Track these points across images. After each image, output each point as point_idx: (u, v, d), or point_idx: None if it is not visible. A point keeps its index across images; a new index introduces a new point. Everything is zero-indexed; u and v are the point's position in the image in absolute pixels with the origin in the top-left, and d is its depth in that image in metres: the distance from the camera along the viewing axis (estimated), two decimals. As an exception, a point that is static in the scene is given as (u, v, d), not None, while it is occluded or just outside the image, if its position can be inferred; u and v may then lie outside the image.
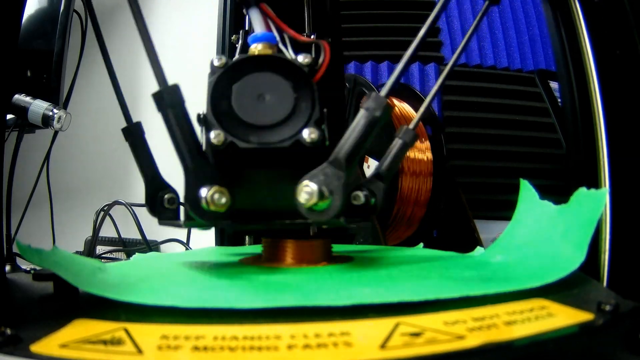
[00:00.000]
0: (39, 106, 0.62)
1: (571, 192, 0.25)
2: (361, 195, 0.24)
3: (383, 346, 0.16)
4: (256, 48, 0.26)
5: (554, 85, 0.85)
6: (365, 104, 0.24)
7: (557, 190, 0.29)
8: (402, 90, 0.82)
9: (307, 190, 0.22)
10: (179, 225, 0.27)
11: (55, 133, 0.77)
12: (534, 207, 0.28)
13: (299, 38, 0.29)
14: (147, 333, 0.17)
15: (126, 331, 0.18)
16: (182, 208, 0.28)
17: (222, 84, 0.24)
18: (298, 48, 0.29)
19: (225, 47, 0.58)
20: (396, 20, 0.96)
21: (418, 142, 0.73)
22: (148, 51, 0.24)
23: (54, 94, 0.70)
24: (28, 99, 0.62)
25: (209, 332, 0.17)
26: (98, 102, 1.07)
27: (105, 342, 0.17)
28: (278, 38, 0.28)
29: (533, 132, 0.93)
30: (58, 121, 0.62)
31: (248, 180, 0.25)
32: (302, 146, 0.24)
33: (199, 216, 0.23)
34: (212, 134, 0.23)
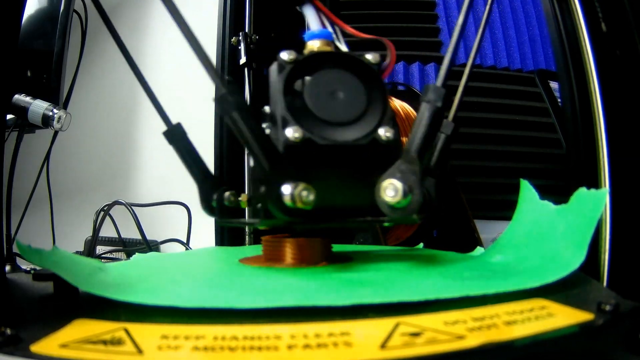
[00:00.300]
0: (39, 106, 0.62)
1: (571, 192, 0.25)
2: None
3: (383, 346, 0.16)
4: (313, 45, 0.26)
5: (554, 85, 0.85)
6: (425, 97, 0.24)
7: (557, 190, 0.29)
8: (402, 90, 0.82)
9: (392, 188, 0.22)
10: (248, 224, 0.26)
11: (55, 133, 0.77)
12: (534, 207, 0.28)
13: (359, 35, 0.28)
14: (147, 333, 0.17)
15: (126, 331, 0.18)
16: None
17: (293, 79, 0.24)
18: (354, 45, 0.28)
19: (225, 49, 0.58)
20: (396, 20, 0.96)
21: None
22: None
23: (54, 94, 0.70)
24: (28, 99, 0.62)
25: (209, 332, 0.17)
26: (98, 102, 1.07)
27: (105, 342, 0.17)
28: (334, 35, 0.27)
29: (533, 132, 0.93)
30: (58, 121, 0.62)
31: (323, 179, 0.24)
32: (378, 144, 0.23)
33: (284, 214, 0.22)
34: (290, 131, 0.23)
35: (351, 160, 0.24)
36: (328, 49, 0.26)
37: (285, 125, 0.23)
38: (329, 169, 0.24)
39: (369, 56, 0.25)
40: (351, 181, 0.24)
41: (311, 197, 0.22)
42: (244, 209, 0.29)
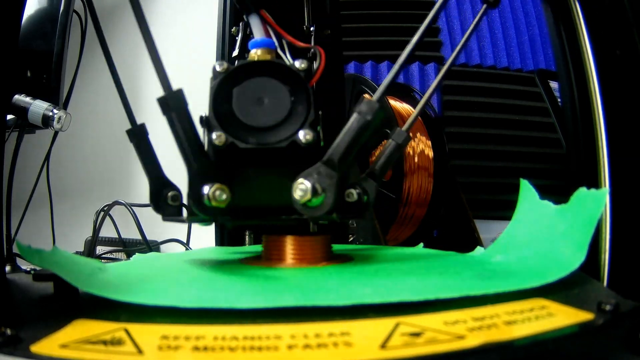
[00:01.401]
0: (39, 106, 0.62)
1: (571, 192, 0.25)
2: (354, 192, 0.26)
3: (383, 346, 0.16)
4: (256, 53, 0.28)
5: (554, 85, 0.85)
6: (357, 108, 0.25)
7: (557, 190, 0.29)
8: (402, 90, 0.82)
9: (301, 188, 0.24)
10: (182, 221, 0.29)
11: (55, 133, 0.77)
12: (534, 207, 0.28)
13: (296, 43, 0.30)
14: (147, 333, 0.17)
15: (126, 331, 0.18)
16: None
17: (223, 88, 0.26)
18: (296, 52, 0.30)
19: (226, 40, 0.58)
20: (396, 20, 0.96)
21: (422, 142, 0.73)
22: (152, 56, 0.25)
23: (54, 94, 0.70)
24: (28, 99, 0.62)
25: (209, 332, 0.17)
26: (98, 102, 1.07)
27: (105, 343, 0.17)
28: (277, 43, 0.29)
29: (533, 132, 0.93)
30: (58, 121, 0.62)
31: (247, 179, 0.26)
32: (298, 146, 0.25)
33: (201, 212, 0.24)
34: (214, 135, 0.25)
35: (274, 162, 0.26)
36: (268, 57, 0.28)
37: (211, 130, 0.25)
38: (254, 170, 0.26)
39: (297, 63, 0.27)
40: (274, 182, 0.26)
41: (224, 196, 0.24)
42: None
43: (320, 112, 0.26)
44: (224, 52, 0.58)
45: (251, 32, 0.52)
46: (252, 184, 0.26)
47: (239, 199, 0.25)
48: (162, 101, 0.24)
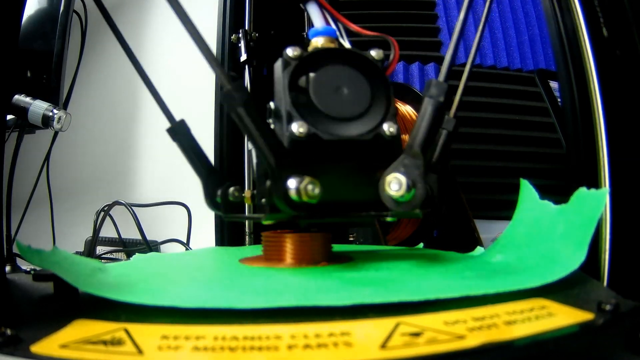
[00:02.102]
0: (39, 106, 0.62)
1: (571, 192, 0.25)
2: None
3: (383, 346, 0.16)
4: (317, 42, 0.26)
5: (554, 85, 0.85)
6: (428, 92, 0.24)
7: (557, 190, 0.29)
8: (402, 90, 0.82)
9: (396, 182, 0.23)
10: (256, 219, 0.26)
11: (55, 133, 0.77)
12: (534, 207, 0.28)
13: (363, 32, 0.29)
14: (147, 333, 0.17)
15: (126, 331, 0.18)
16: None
17: (298, 74, 0.24)
18: (357, 43, 0.28)
19: (225, 46, 0.58)
20: (396, 20, 0.96)
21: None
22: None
23: (54, 94, 0.70)
24: (28, 99, 0.62)
25: (209, 332, 0.17)
26: (98, 102, 1.07)
27: (105, 343, 0.17)
28: (337, 32, 0.28)
29: (533, 132, 0.93)
30: (58, 121, 0.62)
31: (328, 173, 0.24)
32: (382, 139, 0.24)
33: (290, 207, 0.23)
34: (295, 126, 0.23)
35: (355, 155, 0.24)
36: (332, 45, 0.26)
37: (290, 120, 0.23)
38: (334, 163, 0.24)
39: (373, 53, 0.25)
40: (355, 176, 0.25)
41: (317, 190, 0.22)
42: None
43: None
44: (223, 58, 0.58)
45: (251, 39, 0.52)
46: (330, 179, 0.24)
47: (325, 194, 0.23)
48: (227, 96, 0.23)
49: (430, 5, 0.98)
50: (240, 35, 0.53)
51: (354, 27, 0.29)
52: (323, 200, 0.23)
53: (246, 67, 0.52)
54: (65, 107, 0.75)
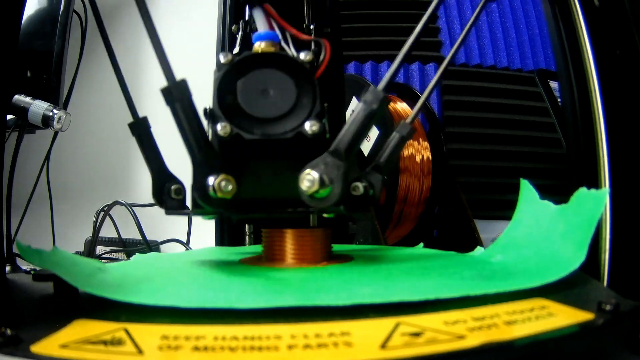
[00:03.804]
0: (39, 106, 0.62)
1: (571, 192, 0.25)
2: (360, 186, 0.25)
3: (383, 346, 0.16)
4: (260, 46, 0.27)
5: (554, 85, 0.85)
6: (363, 97, 0.25)
7: (557, 190, 0.29)
8: (401, 90, 0.83)
9: (309, 178, 0.24)
10: (186, 214, 0.28)
11: (55, 133, 0.77)
12: (534, 207, 0.28)
13: (300, 36, 0.30)
14: (147, 333, 0.18)
15: (126, 331, 0.18)
16: (188, 198, 0.28)
17: (228, 79, 0.26)
18: (299, 46, 0.29)
19: (226, 37, 0.58)
20: (396, 20, 0.96)
21: (417, 141, 0.73)
22: (156, 48, 0.24)
23: (54, 94, 0.70)
24: (28, 99, 0.62)
25: (209, 332, 0.17)
26: (98, 102, 1.07)
27: (105, 343, 0.17)
28: (280, 36, 0.29)
29: (533, 131, 0.93)
30: (58, 121, 0.62)
31: (252, 171, 0.26)
32: (304, 138, 0.25)
33: (206, 203, 0.24)
34: (219, 126, 0.25)
35: (279, 153, 0.26)
36: (272, 49, 0.27)
37: (215, 121, 0.25)
38: (259, 162, 0.26)
39: (302, 55, 0.26)
40: (280, 173, 0.26)
41: (230, 187, 0.24)
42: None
43: (325, 105, 0.26)
44: (224, 49, 0.58)
45: (252, 30, 0.52)
46: (257, 176, 0.26)
47: (244, 191, 0.25)
48: (166, 91, 0.24)
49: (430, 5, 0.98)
50: (240, 26, 0.53)
51: (293, 31, 0.30)
52: (242, 196, 0.25)
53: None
54: (65, 107, 0.75)
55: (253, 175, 0.26)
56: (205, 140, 0.24)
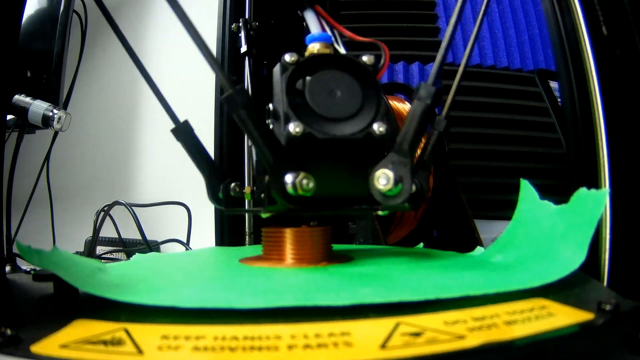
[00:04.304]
0: (39, 106, 0.62)
1: (571, 192, 0.25)
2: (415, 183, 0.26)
3: (383, 346, 0.16)
4: (314, 47, 0.28)
5: (554, 85, 0.85)
6: (417, 94, 0.26)
7: (557, 190, 0.29)
8: (402, 90, 0.82)
9: (384, 177, 0.24)
10: (255, 212, 0.28)
11: (55, 133, 0.77)
12: (534, 207, 0.28)
13: (356, 38, 0.31)
14: (147, 333, 0.17)
15: (126, 331, 0.18)
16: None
17: (295, 79, 0.26)
18: (351, 47, 0.31)
19: (226, 36, 0.58)
20: (396, 20, 0.96)
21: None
22: (209, 60, 0.25)
23: (54, 94, 0.70)
24: (28, 99, 0.62)
25: (209, 332, 0.17)
26: (98, 102, 1.07)
27: (105, 343, 0.17)
28: (332, 38, 0.29)
29: (533, 131, 0.93)
30: (58, 121, 0.62)
31: (319, 170, 0.26)
32: (372, 138, 0.26)
33: (286, 200, 0.25)
34: (292, 126, 0.25)
35: (348, 152, 0.26)
36: (327, 51, 0.28)
37: (287, 120, 0.25)
38: (328, 161, 0.26)
39: (365, 58, 0.27)
40: (348, 172, 0.27)
41: (311, 184, 0.24)
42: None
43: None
44: (224, 47, 0.58)
45: (252, 28, 0.53)
46: (324, 175, 0.26)
47: (319, 188, 0.25)
48: (229, 100, 0.24)
49: (430, 5, 0.98)
50: (240, 24, 0.53)
51: (348, 33, 0.31)
52: (317, 194, 0.25)
53: (246, 58, 0.52)
54: (65, 107, 0.75)
55: (323, 174, 0.26)
56: (276, 141, 0.25)
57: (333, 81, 0.26)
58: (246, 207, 0.32)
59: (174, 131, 0.31)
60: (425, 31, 0.96)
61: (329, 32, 0.30)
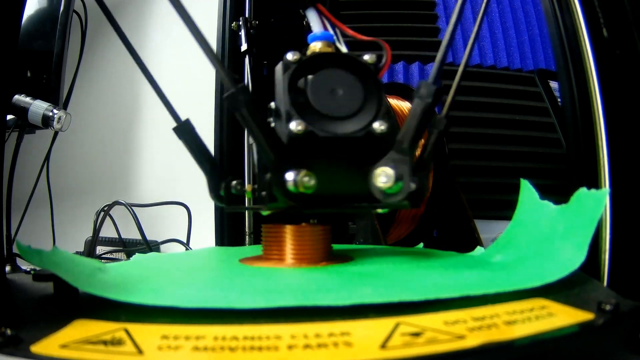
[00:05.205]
0: (39, 106, 0.62)
1: (571, 192, 0.25)
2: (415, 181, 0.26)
3: (383, 346, 0.16)
4: (316, 46, 0.28)
5: (554, 85, 0.85)
6: (417, 93, 0.26)
7: (557, 190, 0.29)
8: (401, 90, 0.82)
9: (384, 175, 0.25)
10: (256, 209, 0.28)
11: (55, 133, 0.77)
12: (534, 207, 0.28)
13: (358, 37, 0.31)
14: (147, 333, 0.18)
15: (126, 331, 0.18)
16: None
17: (297, 77, 0.26)
18: (353, 45, 0.31)
19: (226, 34, 0.58)
20: (396, 20, 0.96)
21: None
22: (211, 60, 0.25)
23: (54, 94, 0.70)
24: (28, 99, 0.62)
25: (209, 332, 0.17)
26: (98, 102, 1.07)
27: (105, 343, 0.17)
28: (334, 37, 0.30)
29: (533, 131, 0.93)
30: (58, 121, 0.62)
31: (320, 168, 0.26)
32: (373, 136, 0.26)
33: (287, 198, 0.25)
34: (293, 124, 0.25)
35: (349, 150, 0.26)
36: (329, 50, 0.28)
37: (289, 119, 0.25)
38: (329, 158, 0.26)
39: (366, 57, 0.27)
40: (349, 170, 0.27)
41: (312, 182, 0.25)
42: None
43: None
44: (224, 46, 0.59)
45: (252, 27, 0.53)
46: (325, 173, 0.26)
47: (320, 186, 0.26)
48: (231, 98, 0.24)
49: (430, 5, 0.98)
50: (240, 23, 0.53)
51: (350, 32, 0.31)
52: (318, 191, 0.25)
53: (246, 56, 0.52)
54: (65, 107, 0.75)
55: (324, 172, 0.26)
56: (279, 140, 0.25)
57: (335, 80, 0.26)
58: (247, 205, 0.32)
59: (175, 129, 0.31)
60: (425, 31, 0.96)
61: (330, 31, 0.30)
